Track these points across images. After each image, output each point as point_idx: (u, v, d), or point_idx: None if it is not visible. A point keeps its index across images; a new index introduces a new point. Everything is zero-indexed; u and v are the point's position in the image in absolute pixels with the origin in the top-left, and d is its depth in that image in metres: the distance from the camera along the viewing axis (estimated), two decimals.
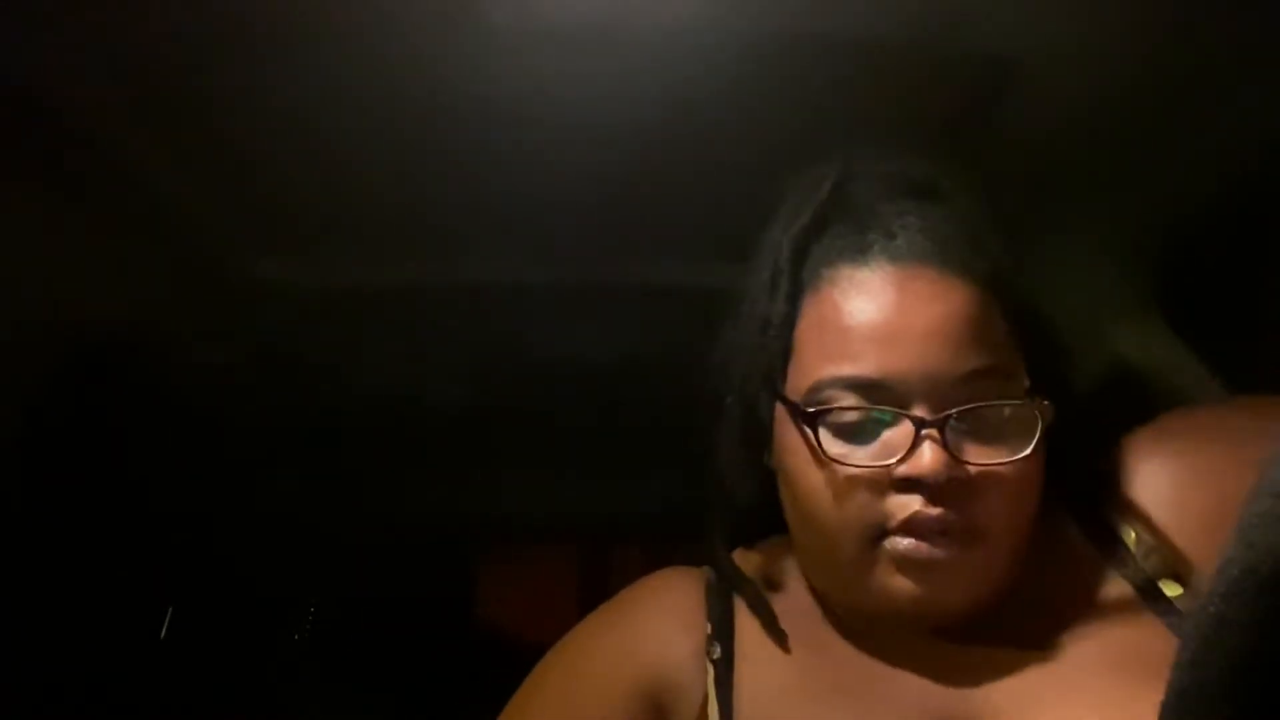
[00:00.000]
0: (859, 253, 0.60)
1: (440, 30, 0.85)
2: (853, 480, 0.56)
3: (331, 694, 1.53)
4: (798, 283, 0.63)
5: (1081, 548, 0.62)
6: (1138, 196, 1.01)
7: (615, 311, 1.52)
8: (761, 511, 0.66)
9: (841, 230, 0.63)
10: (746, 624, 0.63)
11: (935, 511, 0.54)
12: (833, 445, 0.57)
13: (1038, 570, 0.60)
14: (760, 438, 0.64)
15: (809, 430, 0.57)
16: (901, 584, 0.56)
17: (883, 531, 0.56)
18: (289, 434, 1.58)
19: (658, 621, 0.64)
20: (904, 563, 0.55)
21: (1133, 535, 0.61)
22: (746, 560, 0.68)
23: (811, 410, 0.57)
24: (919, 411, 0.55)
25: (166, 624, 1.45)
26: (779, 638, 0.61)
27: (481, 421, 1.76)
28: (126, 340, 1.37)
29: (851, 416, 0.57)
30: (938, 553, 0.55)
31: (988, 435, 0.56)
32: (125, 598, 1.59)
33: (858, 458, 0.56)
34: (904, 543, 0.55)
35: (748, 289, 0.70)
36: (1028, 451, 0.56)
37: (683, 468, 0.68)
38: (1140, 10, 0.78)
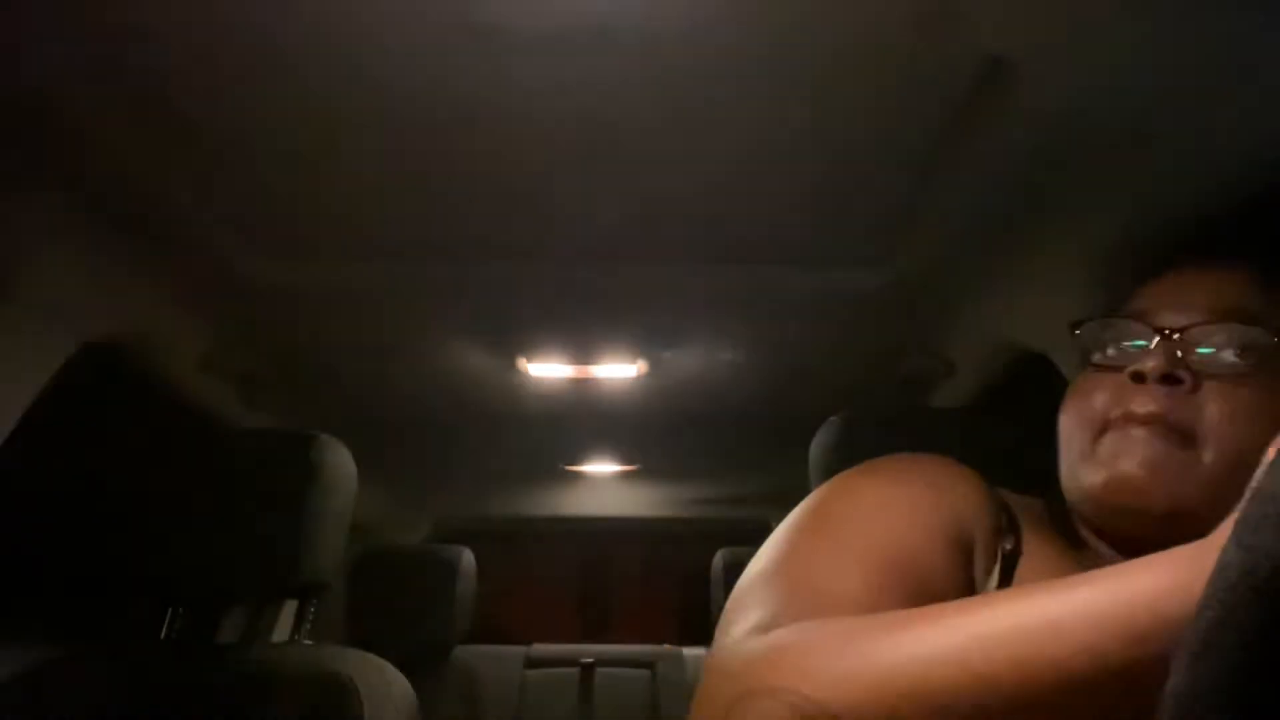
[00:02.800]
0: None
1: (440, 30, 0.85)
2: (1097, 381, 0.67)
3: None
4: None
5: None
6: (1134, 197, 1.01)
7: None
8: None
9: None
10: (1030, 532, 0.67)
11: (1152, 406, 0.62)
12: (1092, 357, 0.69)
13: None
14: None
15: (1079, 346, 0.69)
16: (1112, 471, 0.62)
17: (1107, 423, 0.64)
18: None
19: (962, 486, 0.67)
20: (1117, 449, 0.63)
21: None
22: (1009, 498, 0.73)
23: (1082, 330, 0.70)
24: (1161, 323, 0.66)
25: (167, 624, 1.45)
26: (1054, 547, 0.67)
27: None
28: (126, 341, 1.37)
29: (1110, 332, 0.69)
30: (1147, 444, 0.61)
31: (1227, 361, 0.64)
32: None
33: (1106, 363, 0.67)
34: (1119, 433, 0.63)
35: None
36: (1247, 368, 0.62)
37: None
38: (1139, 10, 0.78)
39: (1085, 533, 0.69)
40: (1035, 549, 0.65)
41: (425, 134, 1.02)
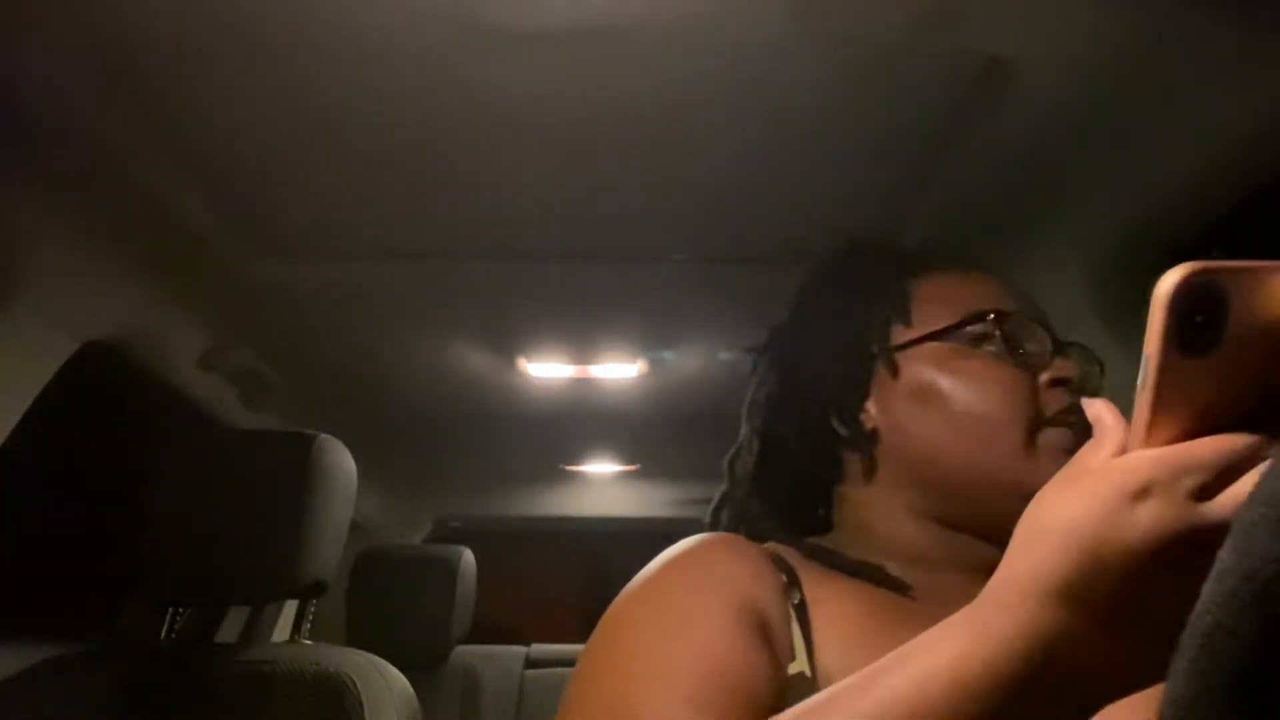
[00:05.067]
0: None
1: (440, 30, 0.85)
2: (1021, 377, 0.68)
3: None
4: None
5: None
6: (1132, 196, 1.01)
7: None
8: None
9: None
10: (808, 579, 0.67)
11: (1071, 408, 0.65)
12: (1012, 351, 0.69)
13: None
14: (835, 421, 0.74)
15: (985, 339, 0.69)
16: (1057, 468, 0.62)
17: (1045, 420, 0.66)
18: None
19: (741, 563, 0.66)
20: (1059, 449, 0.64)
21: None
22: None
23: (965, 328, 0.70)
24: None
25: (167, 624, 1.45)
26: (834, 581, 0.67)
27: None
28: (126, 341, 1.37)
29: (1018, 328, 0.69)
30: (1071, 441, 0.64)
31: (1089, 372, 0.70)
32: None
33: (1010, 364, 0.68)
34: (1063, 435, 0.65)
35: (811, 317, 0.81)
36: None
37: None
38: (1138, 10, 0.78)
39: (874, 559, 0.69)
40: (821, 594, 0.66)
41: (425, 134, 1.02)
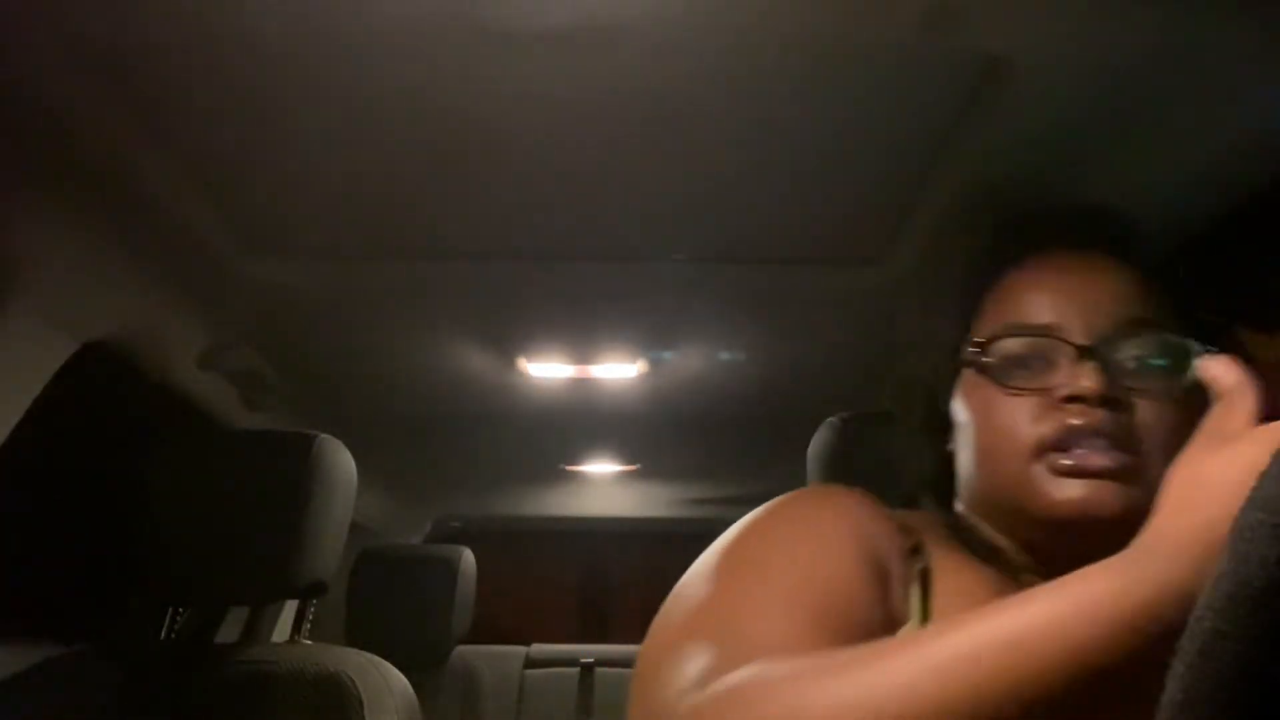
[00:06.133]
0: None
1: (441, 30, 0.85)
2: (1023, 403, 0.66)
3: None
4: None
5: None
6: (1132, 196, 1.01)
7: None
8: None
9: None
10: (934, 550, 0.67)
11: (1094, 423, 0.62)
12: (1008, 378, 0.67)
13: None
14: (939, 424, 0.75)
15: (987, 367, 0.68)
16: (1063, 490, 0.62)
17: (1047, 445, 0.63)
18: None
19: (870, 516, 0.66)
20: (1065, 470, 0.62)
21: None
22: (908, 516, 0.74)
23: (986, 349, 0.69)
24: (1080, 340, 0.65)
25: (167, 624, 1.45)
26: (963, 560, 0.67)
27: None
28: (126, 341, 1.37)
29: (1020, 348, 0.67)
30: (1095, 459, 0.62)
31: (1145, 372, 0.65)
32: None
33: (1030, 384, 0.66)
34: (1066, 453, 0.63)
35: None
36: (1179, 384, 0.63)
37: None
38: (1137, 10, 0.78)
39: (1002, 543, 0.69)
40: (947, 565, 0.65)
41: (425, 134, 1.02)
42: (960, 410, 0.72)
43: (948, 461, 0.75)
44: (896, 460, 0.81)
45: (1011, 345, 0.68)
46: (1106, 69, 0.84)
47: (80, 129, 0.97)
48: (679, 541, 3.50)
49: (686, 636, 0.53)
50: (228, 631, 2.10)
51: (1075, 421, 0.63)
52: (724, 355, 1.71)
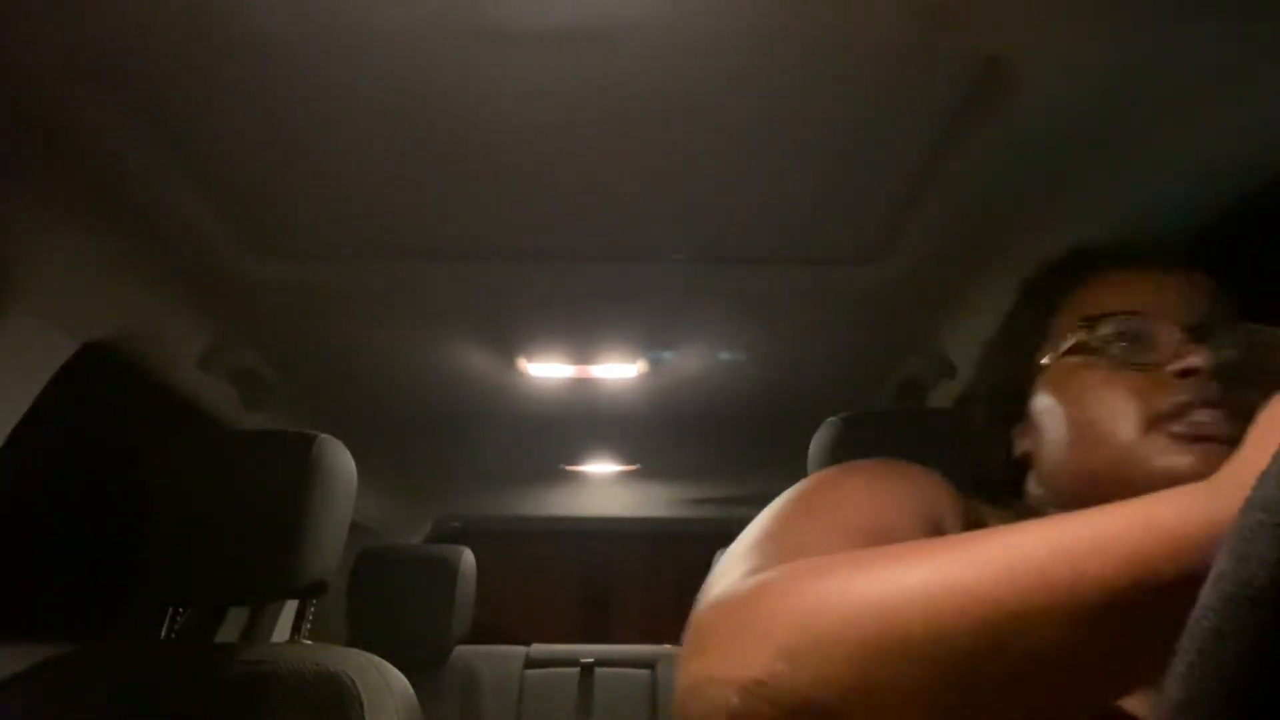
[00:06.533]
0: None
1: (440, 30, 0.85)
2: (1134, 380, 0.67)
3: None
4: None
5: None
6: (1132, 196, 1.01)
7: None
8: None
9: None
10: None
11: (1207, 395, 0.64)
12: (1123, 355, 0.69)
13: None
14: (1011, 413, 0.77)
15: (1096, 348, 0.70)
16: (1182, 456, 0.64)
17: (1163, 415, 0.65)
18: None
19: (940, 492, 0.68)
20: (1183, 435, 0.64)
21: None
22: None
23: (1094, 330, 0.70)
24: (1183, 319, 0.68)
25: (167, 624, 1.45)
26: None
27: None
28: (126, 341, 1.37)
29: (1128, 328, 0.69)
30: (1212, 427, 0.63)
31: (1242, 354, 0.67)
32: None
33: (1145, 359, 0.68)
34: (1182, 422, 0.65)
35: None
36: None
37: None
38: (1137, 11, 0.78)
39: None
40: None
41: (425, 133, 1.02)
42: (1047, 401, 0.74)
43: (1009, 459, 0.78)
44: (956, 461, 0.81)
45: (1120, 325, 0.70)
46: (1106, 69, 0.84)
47: (80, 129, 0.97)
48: (679, 541, 3.52)
49: (746, 551, 0.56)
50: (228, 631, 2.10)
51: (1187, 397, 0.65)
52: (724, 355, 1.71)
